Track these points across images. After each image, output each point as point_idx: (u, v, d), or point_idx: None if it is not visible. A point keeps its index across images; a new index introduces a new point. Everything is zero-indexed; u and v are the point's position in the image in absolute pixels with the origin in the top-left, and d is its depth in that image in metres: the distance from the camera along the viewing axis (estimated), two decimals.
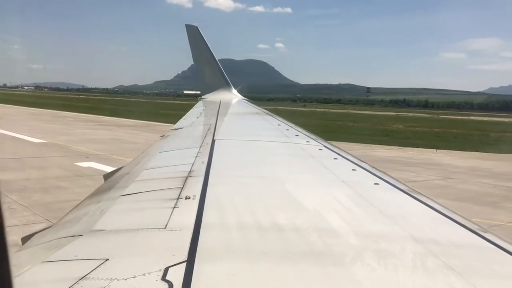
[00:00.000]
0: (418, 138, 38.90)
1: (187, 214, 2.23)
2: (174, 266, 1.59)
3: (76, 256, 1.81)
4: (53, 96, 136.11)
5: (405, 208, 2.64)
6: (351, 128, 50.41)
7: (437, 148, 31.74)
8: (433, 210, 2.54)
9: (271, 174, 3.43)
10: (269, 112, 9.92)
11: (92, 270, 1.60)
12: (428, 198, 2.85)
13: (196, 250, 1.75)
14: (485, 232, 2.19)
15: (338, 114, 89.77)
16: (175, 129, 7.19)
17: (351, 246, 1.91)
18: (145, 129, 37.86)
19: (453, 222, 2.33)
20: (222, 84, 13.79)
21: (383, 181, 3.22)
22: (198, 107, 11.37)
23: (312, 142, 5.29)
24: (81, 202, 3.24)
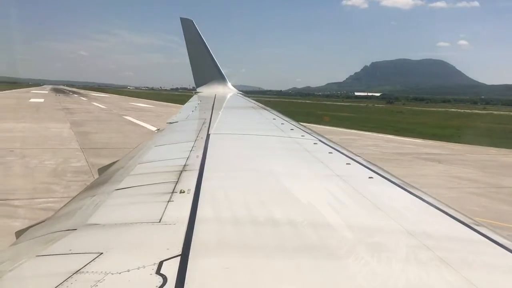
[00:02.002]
0: None
1: (181, 208, 2.23)
2: (168, 260, 1.60)
3: (70, 250, 1.81)
4: None
5: (399, 201, 2.65)
6: None
7: None
8: (427, 204, 2.55)
9: (266, 168, 3.43)
10: (264, 106, 9.91)
11: (87, 264, 1.59)
12: (422, 192, 2.87)
13: (190, 244, 1.75)
14: (479, 226, 2.21)
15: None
16: (170, 123, 7.17)
17: (346, 239, 1.92)
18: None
19: (446, 216, 2.34)
20: (218, 78, 13.75)
21: (377, 175, 3.23)
22: (193, 101, 11.33)
23: (307, 136, 5.30)
24: (75, 196, 3.23)
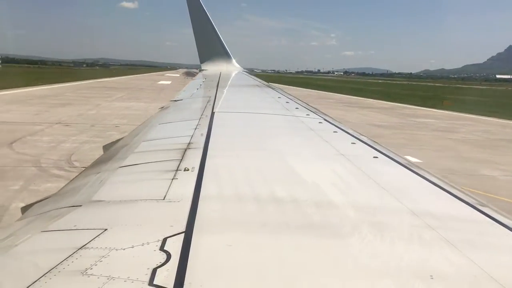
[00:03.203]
0: None
1: (185, 185, 2.23)
2: (172, 237, 1.60)
3: (75, 226, 1.82)
4: (358, 81, 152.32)
5: (403, 181, 2.64)
6: None
7: None
8: (431, 184, 2.54)
9: (270, 147, 3.42)
10: (269, 85, 9.84)
11: (91, 240, 1.61)
12: (427, 171, 2.86)
13: (194, 221, 1.75)
14: (483, 206, 2.20)
15: None
16: (175, 101, 7.15)
17: (349, 218, 1.92)
18: None
19: (451, 196, 2.33)
20: (223, 55, 13.63)
21: (382, 155, 3.21)
22: (198, 79, 11.27)
23: (312, 115, 5.26)
24: (80, 173, 3.25)
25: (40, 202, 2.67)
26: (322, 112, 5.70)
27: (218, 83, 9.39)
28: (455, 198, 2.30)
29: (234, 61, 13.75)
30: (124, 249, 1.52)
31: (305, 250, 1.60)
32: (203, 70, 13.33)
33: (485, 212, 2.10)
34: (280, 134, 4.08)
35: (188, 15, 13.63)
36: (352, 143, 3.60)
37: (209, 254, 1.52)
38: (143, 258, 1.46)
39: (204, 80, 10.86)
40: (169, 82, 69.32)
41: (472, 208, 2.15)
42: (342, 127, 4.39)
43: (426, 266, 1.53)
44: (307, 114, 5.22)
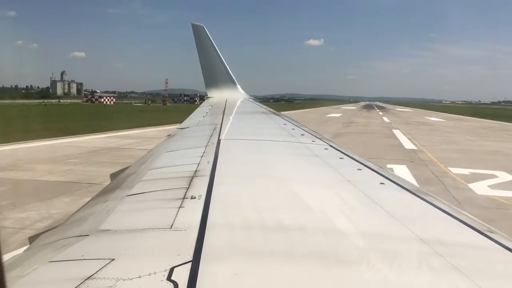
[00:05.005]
0: None
1: (192, 214, 2.24)
2: (180, 266, 1.60)
3: (82, 256, 1.82)
4: None
5: (411, 208, 2.63)
6: None
7: None
8: (439, 210, 2.52)
9: (276, 174, 3.43)
10: (275, 112, 9.92)
11: (98, 270, 1.61)
12: (435, 198, 2.84)
13: (201, 250, 1.75)
14: (492, 233, 2.18)
15: None
16: (181, 128, 7.21)
17: (357, 246, 1.91)
18: None
19: (459, 223, 2.31)
20: (228, 83, 13.80)
21: (389, 181, 3.21)
22: (204, 106, 11.38)
23: (318, 141, 5.28)
24: (87, 202, 3.26)
25: (47, 232, 2.67)
26: (327, 139, 5.72)
27: (224, 110, 9.48)
28: (463, 225, 2.28)
29: (240, 88, 13.90)
30: (131, 279, 1.52)
31: (313, 278, 1.59)
32: (209, 97, 13.46)
33: (494, 239, 2.07)
34: (286, 161, 4.09)
35: (204, 43, 13.83)
36: (358, 169, 3.60)
37: (217, 283, 1.51)
38: None
39: (210, 107, 10.97)
40: (338, 115, 70.62)
41: (481, 235, 2.13)
42: (348, 153, 4.39)
43: None
44: (312, 141, 5.24)
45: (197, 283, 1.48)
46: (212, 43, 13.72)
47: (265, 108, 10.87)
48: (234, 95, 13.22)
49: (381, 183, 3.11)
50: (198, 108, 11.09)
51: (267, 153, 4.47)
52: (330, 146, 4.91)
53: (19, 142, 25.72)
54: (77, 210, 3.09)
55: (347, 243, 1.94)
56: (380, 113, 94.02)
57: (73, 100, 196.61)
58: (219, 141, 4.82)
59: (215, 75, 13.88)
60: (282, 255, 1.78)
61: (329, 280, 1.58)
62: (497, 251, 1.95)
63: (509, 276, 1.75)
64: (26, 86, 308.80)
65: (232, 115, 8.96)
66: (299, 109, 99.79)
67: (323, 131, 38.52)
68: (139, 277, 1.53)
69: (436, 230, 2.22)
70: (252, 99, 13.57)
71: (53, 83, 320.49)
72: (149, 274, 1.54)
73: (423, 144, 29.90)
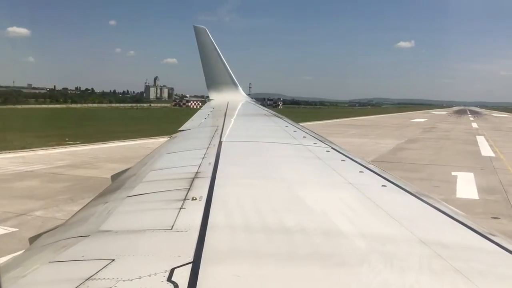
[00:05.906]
0: None
1: (193, 215, 2.23)
2: (180, 267, 1.59)
3: (83, 256, 1.82)
4: None
5: (413, 210, 2.62)
6: None
7: None
8: (441, 213, 2.52)
9: (278, 176, 3.42)
10: (277, 114, 9.91)
11: (99, 271, 1.60)
12: (436, 200, 2.83)
13: (202, 252, 1.75)
14: (494, 236, 2.17)
15: None
16: (182, 130, 7.21)
17: (359, 248, 1.90)
18: None
19: (461, 225, 2.30)
20: (230, 85, 13.79)
21: (391, 183, 3.20)
22: (206, 108, 11.39)
23: (320, 144, 5.28)
24: (88, 203, 3.26)
25: (48, 233, 2.67)
26: (329, 141, 5.71)
27: (226, 112, 9.47)
28: (465, 228, 2.27)
29: (241, 90, 13.89)
30: (131, 280, 1.51)
31: (314, 280, 1.58)
32: (210, 99, 13.46)
33: (496, 242, 2.06)
34: (287, 163, 4.08)
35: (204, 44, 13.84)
36: (360, 171, 3.59)
37: (217, 285, 1.51)
38: None
39: (211, 109, 10.97)
40: (423, 120, 68.16)
41: (483, 238, 2.12)
42: (350, 156, 4.38)
43: None
44: (314, 143, 5.24)
45: (197, 284, 1.48)
46: (214, 45, 13.72)
47: (266, 110, 10.87)
48: (236, 98, 13.21)
49: (382, 186, 3.10)
50: (199, 110, 11.10)
51: (268, 155, 4.46)
52: (332, 148, 4.91)
53: (100, 142, 28.48)
54: (78, 211, 3.09)
55: (349, 245, 1.93)
56: (471, 118, 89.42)
57: (163, 104, 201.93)
58: (220, 142, 4.81)
59: (216, 78, 13.88)
60: (283, 257, 1.77)
61: (330, 282, 1.57)
62: (498, 254, 1.94)
63: (510, 278, 1.74)
64: (123, 91, 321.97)
65: (234, 117, 8.96)
66: (383, 113, 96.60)
67: (400, 135, 39.33)
68: (139, 277, 1.52)
69: (438, 232, 2.21)
70: (253, 101, 13.57)
71: (147, 88, 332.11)
72: (150, 275, 1.54)
73: (504, 152, 27.70)
